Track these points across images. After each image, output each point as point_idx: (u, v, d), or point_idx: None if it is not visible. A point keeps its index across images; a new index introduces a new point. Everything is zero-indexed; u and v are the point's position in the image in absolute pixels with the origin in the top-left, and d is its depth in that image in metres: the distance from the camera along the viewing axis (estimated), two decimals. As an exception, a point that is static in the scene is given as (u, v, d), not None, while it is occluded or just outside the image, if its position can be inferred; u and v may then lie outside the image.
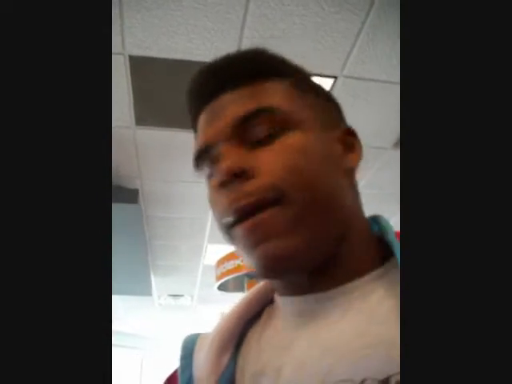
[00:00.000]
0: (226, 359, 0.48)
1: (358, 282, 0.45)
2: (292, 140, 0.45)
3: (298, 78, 0.51)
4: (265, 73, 0.49)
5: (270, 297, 0.53)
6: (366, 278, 0.45)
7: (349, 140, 0.51)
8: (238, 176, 0.43)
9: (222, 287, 3.56)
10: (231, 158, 0.44)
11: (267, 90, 0.48)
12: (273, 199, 0.42)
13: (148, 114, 2.52)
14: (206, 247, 4.26)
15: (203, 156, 0.48)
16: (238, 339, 0.50)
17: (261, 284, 0.54)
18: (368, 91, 2.42)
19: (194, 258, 4.49)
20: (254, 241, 0.43)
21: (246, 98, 0.47)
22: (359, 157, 0.51)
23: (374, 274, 0.46)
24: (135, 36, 2.01)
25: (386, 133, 2.70)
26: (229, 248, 3.86)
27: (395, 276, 0.43)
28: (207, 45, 2.07)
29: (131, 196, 3.13)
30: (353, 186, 0.49)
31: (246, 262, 0.47)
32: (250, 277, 3.23)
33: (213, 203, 0.47)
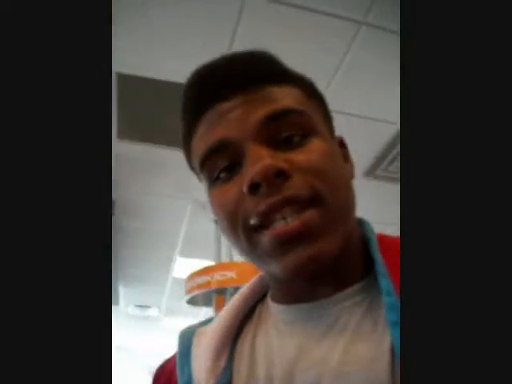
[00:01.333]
0: (223, 361, 0.48)
1: (347, 293, 0.45)
2: (318, 145, 0.44)
3: (306, 85, 0.49)
4: (276, 77, 0.47)
5: (263, 292, 0.53)
6: (352, 289, 0.45)
7: (343, 151, 0.51)
8: (276, 177, 0.41)
9: (191, 301, 3.59)
10: (265, 158, 0.41)
11: (284, 93, 0.46)
12: (310, 200, 0.41)
13: (129, 128, 2.57)
14: (177, 260, 4.29)
15: (216, 153, 0.45)
16: (234, 337, 0.50)
17: (255, 280, 0.54)
18: (340, 123, 2.53)
19: (164, 269, 4.50)
20: (288, 246, 0.41)
21: (267, 99, 0.45)
22: (353, 167, 0.51)
23: (360, 284, 0.45)
24: (124, 55, 2.08)
25: (357, 164, 2.83)
26: (198, 263, 3.90)
27: (377, 289, 0.43)
28: (194, 67, 2.15)
29: (107, 206, 3.16)
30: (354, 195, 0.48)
31: (263, 269, 0.46)
32: (219, 292, 3.28)
33: (229, 206, 0.44)
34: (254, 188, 0.41)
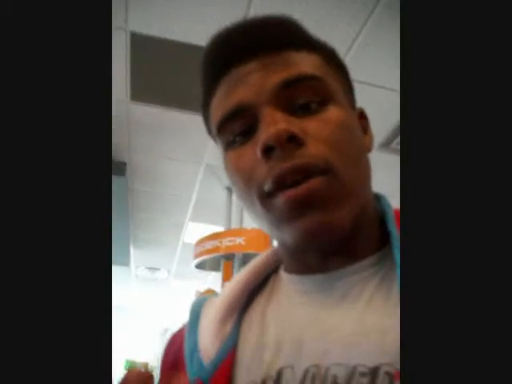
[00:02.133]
0: (229, 327, 0.49)
1: (360, 265, 0.45)
2: (335, 114, 0.44)
3: (327, 52, 0.49)
4: (295, 42, 0.47)
5: (276, 265, 0.53)
6: (367, 261, 0.45)
7: (363, 123, 0.51)
8: (289, 142, 0.41)
9: (199, 265, 3.64)
10: (279, 122, 0.41)
11: (303, 59, 0.46)
12: (321, 169, 0.41)
13: (143, 90, 2.55)
14: (187, 225, 4.33)
15: (233, 117, 0.45)
16: (242, 307, 0.51)
17: (268, 253, 0.54)
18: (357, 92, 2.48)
19: (175, 233, 4.55)
20: (298, 212, 0.41)
21: (284, 64, 0.45)
22: (372, 140, 0.51)
23: (375, 257, 0.45)
24: (139, 13, 2.04)
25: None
26: (208, 228, 3.93)
27: (392, 261, 0.43)
28: (209, 30, 2.11)
29: (119, 168, 3.17)
30: (370, 168, 0.48)
31: (277, 236, 0.46)
32: (227, 258, 3.31)
33: (244, 170, 0.44)
34: (267, 151, 0.42)
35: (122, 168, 3.20)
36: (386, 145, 2.89)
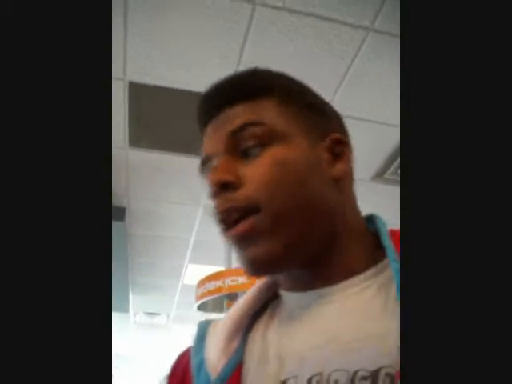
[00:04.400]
0: (235, 344, 0.52)
1: (354, 280, 0.49)
2: (274, 153, 0.49)
3: (287, 94, 0.53)
4: (259, 90, 0.52)
5: (273, 291, 0.56)
6: (362, 276, 0.49)
7: (338, 149, 0.53)
8: (224, 187, 0.48)
9: (201, 307, 3.60)
10: (221, 170, 0.49)
11: (258, 106, 0.51)
12: (250, 209, 0.47)
13: (141, 136, 2.61)
14: (187, 267, 4.30)
15: (205, 166, 0.53)
16: (246, 328, 0.54)
17: (265, 279, 0.58)
18: (349, 128, 2.56)
19: (174, 277, 4.51)
20: (240, 246, 0.48)
21: (239, 114, 0.51)
22: (348, 164, 0.53)
23: (369, 272, 0.49)
24: (137, 63, 2.12)
25: (366, 167, 2.85)
26: (209, 269, 3.91)
27: (388, 275, 0.47)
28: (204, 77, 2.19)
29: (118, 214, 3.18)
30: (342, 191, 0.51)
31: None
32: (230, 298, 3.29)
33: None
34: (214, 195, 0.49)
35: (121, 213, 3.21)
36: (379, 175, 2.96)
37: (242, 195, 0.48)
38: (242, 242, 0.48)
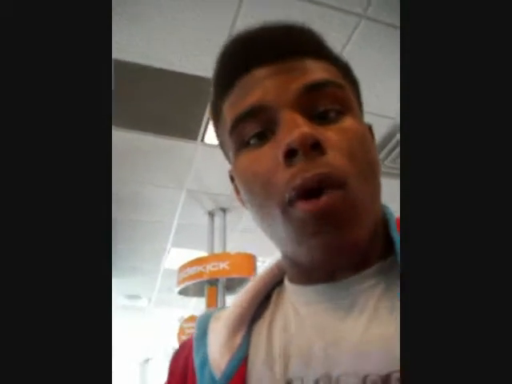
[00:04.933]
0: (239, 339, 0.48)
1: (363, 274, 0.44)
2: (353, 125, 0.43)
3: (344, 66, 0.49)
4: (316, 51, 0.46)
5: (280, 278, 0.53)
6: (371, 270, 0.44)
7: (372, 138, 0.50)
8: (312, 148, 0.40)
9: (182, 291, 3.60)
10: (302, 126, 0.40)
11: (323, 67, 0.45)
12: (340, 183, 0.40)
13: (124, 116, 2.56)
14: (169, 251, 4.29)
15: (249, 117, 0.44)
16: (251, 319, 0.50)
17: (273, 265, 0.54)
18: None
19: (156, 261, 4.50)
20: (318, 224, 0.40)
21: (306, 69, 0.44)
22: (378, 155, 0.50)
23: (379, 266, 0.45)
24: (120, 42, 2.06)
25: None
26: (190, 253, 3.91)
27: (397, 271, 0.43)
28: (189, 58, 2.14)
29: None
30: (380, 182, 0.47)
31: (290, 249, 0.44)
32: (211, 283, 3.29)
33: (261, 174, 0.43)
34: (290, 155, 0.40)
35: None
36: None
37: (334, 163, 0.40)
38: (321, 220, 0.39)
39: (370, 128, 0.51)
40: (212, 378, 0.47)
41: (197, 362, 0.49)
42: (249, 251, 3.36)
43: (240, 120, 0.44)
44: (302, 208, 0.40)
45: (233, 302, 0.52)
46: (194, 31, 2.01)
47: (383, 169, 2.95)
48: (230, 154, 0.48)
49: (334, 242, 0.40)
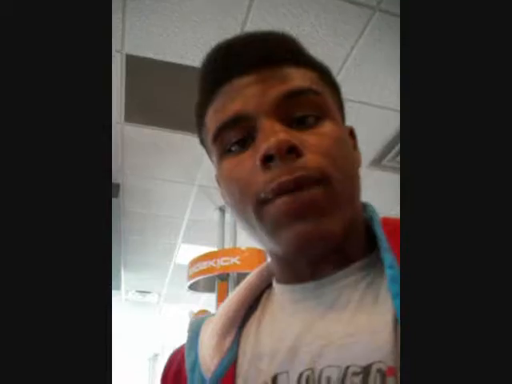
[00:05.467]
0: (228, 342, 0.50)
1: (348, 270, 0.46)
2: (331, 128, 0.46)
3: (323, 70, 0.51)
4: (294, 58, 0.48)
5: (269, 280, 0.54)
6: (355, 266, 0.46)
7: (352, 140, 0.52)
8: (288, 152, 0.42)
9: (192, 286, 3.61)
10: (279, 132, 0.42)
11: (301, 74, 0.47)
12: (318, 180, 0.42)
13: (137, 111, 2.57)
14: (180, 246, 4.31)
15: (231, 126, 0.46)
16: (240, 322, 0.52)
17: (261, 267, 0.56)
18: (348, 111, 2.54)
19: (166, 256, 4.52)
20: (294, 216, 0.42)
21: (284, 78, 0.46)
22: (360, 156, 0.53)
23: (362, 262, 0.47)
24: (134, 37, 2.07)
25: (364, 153, 2.83)
26: (201, 249, 3.92)
27: (380, 266, 0.45)
28: (203, 52, 2.15)
29: (112, 190, 3.17)
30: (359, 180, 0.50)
31: (269, 245, 0.46)
32: (222, 278, 3.29)
33: (240, 178, 0.45)
34: (266, 160, 0.43)
35: (115, 189, 3.19)
36: (376, 162, 2.94)
37: (311, 163, 0.43)
38: (298, 213, 0.42)
39: (351, 130, 0.53)
40: (202, 380, 0.49)
41: (188, 364, 0.51)
42: (259, 247, 3.33)
43: (222, 129, 0.46)
44: (278, 202, 0.42)
45: (222, 305, 0.54)
46: (210, 28, 2.02)
47: (392, 164, 2.93)
48: (214, 159, 0.50)
49: (309, 230, 0.42)
